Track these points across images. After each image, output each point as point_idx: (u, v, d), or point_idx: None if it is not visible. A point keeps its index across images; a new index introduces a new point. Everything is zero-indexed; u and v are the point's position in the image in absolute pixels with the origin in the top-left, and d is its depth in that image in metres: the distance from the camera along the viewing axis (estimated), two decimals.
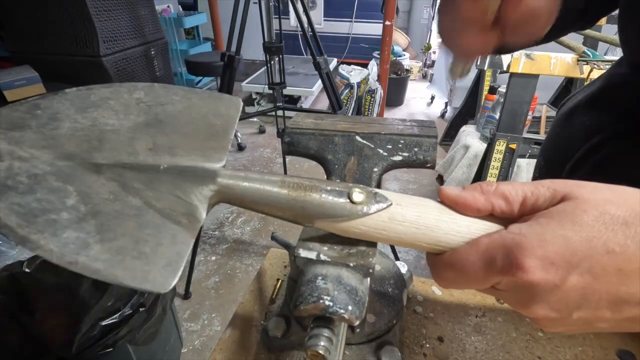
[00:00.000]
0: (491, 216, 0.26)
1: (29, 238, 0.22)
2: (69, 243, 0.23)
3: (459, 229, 0.25)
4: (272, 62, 1.81)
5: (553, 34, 0.43)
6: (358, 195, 0.27)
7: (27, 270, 0.73)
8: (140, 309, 0.93)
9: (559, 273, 0.21)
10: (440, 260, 0.26)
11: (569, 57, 1.23)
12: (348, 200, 0.27)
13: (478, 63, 1.33)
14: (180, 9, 3.69)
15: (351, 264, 0.28)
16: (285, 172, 2.16)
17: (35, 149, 0.25)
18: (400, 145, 0.37)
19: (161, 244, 0.24)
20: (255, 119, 3.25)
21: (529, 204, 0.24)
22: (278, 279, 0.54)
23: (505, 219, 0.25)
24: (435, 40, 4.55)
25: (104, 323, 0.86)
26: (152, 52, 2.20)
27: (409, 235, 0.26)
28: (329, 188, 0.27)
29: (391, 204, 0.26)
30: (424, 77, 4.63)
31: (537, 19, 0.32)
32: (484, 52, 0.37)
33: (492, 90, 2.10)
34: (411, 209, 0.26)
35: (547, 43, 0.45)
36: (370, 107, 3.06)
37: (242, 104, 0.32)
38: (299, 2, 1.54)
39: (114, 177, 0.26)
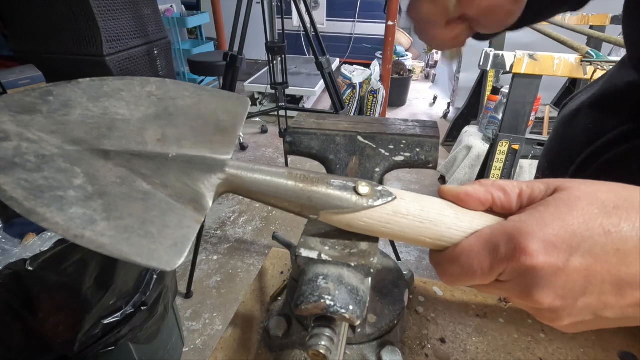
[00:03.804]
0: (491, 212, 0.27)
1: (35, 210, 0.22)
2: (75, 218, 0.23)
3: (461, 224, 0.26)
4: (275, 62, 1.81)
5: (543, 15, 0.43)
6: (364, 187, 0.27)
7: (30, 268, 0.73)
8: (142, 308, 0.93)
9: (562, 256, 0.21)
10: (444, 256, 0.26)
11: (573, 57, 1.23)
12: (354, 193, 0.27)
13: (481, 63, 1.33)
14: (183, 9, 3.70)
15: (352, 264, 0.28)
16: None
17: (44, 133, 0.25)
18: (402, 146, 0.37)
19: (168, 226, 0.24)
20: (257, 119, 3.26)
21: (525, 196, 0.25)
22: (284, 280, 0.54)
23: (504, 215, 0.26)
24: None
25: (106, 321, 0.86)
26: (155, 52, 2.21)
27: (412, 229, 0.26)
28: (335, 181, 0.28)
29: (395, 198, 0.27)
30: (427, 77, 4.62)
31: (495, 12, 0.33)
32: (458, 43, 0.38)
33: (495, 90, 2.10)
34: (415, 204, 0.27)
35: (537, 23, 0.45)
36: (373, 108, 3.05)
37: (249, 102, 0.32)
38: (302, 2, 1.54)
39: (122, 163, 0.26)
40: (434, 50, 4.56)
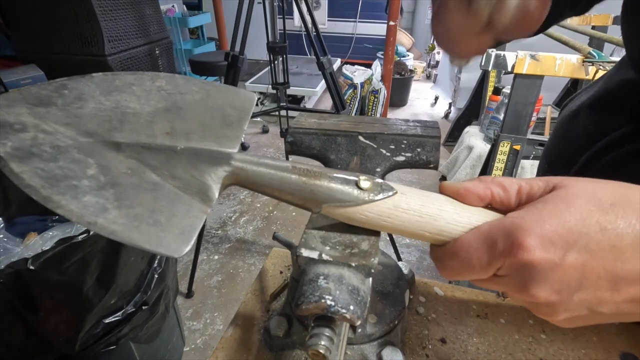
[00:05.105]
0: (491, 208, 0.27)
1: (51, 198, 0.24)
2: (88, 206, 0.24)
3: (460, 219, 0.26)
4: (276, 62, 1.81)
5: (549, 21, 0.43)
6: (365, 182, 0.28)
7: (31, 267, 0.73)
8: (143, 307, 0.93)
9: (558, 251, 0.22)
10: (443, 251, 0.26)
11: (574, 58, 1.23)
12: (355, 187, 0.28)
13: (482, 64, 1.32)
14: (185, 9, 3.70)
15: (353, 264, 0.28)
16: None
17: (59, 125, 0.26)
18: (403, 146, 0.37)
19: (175, 215, 0.26)
20: (258, 119, 3.26)
21: (524, 192, 0.26)
22: (285, 280, 0.54)
23: (503, 211, 0.26)
24: None
25: (107, 321, 0.86)
26: (157, 52, 2.21)
27: (412, 224, 0.27)
28: (337, 175, 0.28)
29: (396, 192, 0.27)
30: (428, 77, 4.62)
31: (527, 21, 0.33)
32: (481, 52, 0.38)
33: (497, 91, 2.09)
34: (415, 198, 0.27)
35: (543, 31, 0.45)
36: (374, 108, 3.05)
37: (256, 98, 0.33)
38: (303, 2, 1.55)
39: (132, 155, 0.27)
40: (436, 51, 4.56)
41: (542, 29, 0.43)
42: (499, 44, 0.42)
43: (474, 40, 0.35)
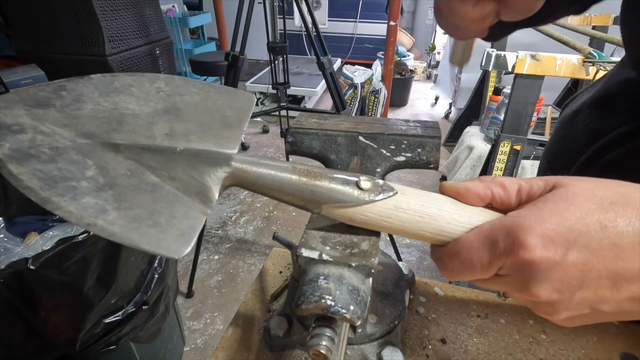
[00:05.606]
0: (491, 207, 0.27)
1: (50, 199, 0.23)
2: (87, 207, 0.24)
3: (460, 219, 0.26)
4: (276, 62, 1.81)
5: (549, 15, 0.42)
6: (365, 182, 0.28)
7: (31, 267, 0.73)
8: (143, 307, 0.94)
9: (559, 250, 0.22)
10: (444, 251, 0.26)
11: (575, 58, 1.23)
12: (356, 187, 0.28)
13: (483, 64, 1.32)
14: (185, 9, 3.71)
15: (353, 264, 0.28)
16: None
17: (57, 126, 0.26)
18: (403, 146, 0.37)
19: (175, 217, 0.25)
20: (259, 119, 3.26)
21: (524, 192, 0.26)
22: (285, 280, 0.54)
23: (504, 210, 0.26)
24: (439, 40, 4.53)
25: (107, 320, 0.86)
26: (157, 52, 2.21)
27: (412, 224, 0.27)
28: (337, 175, 0.28)
29: (396, 193, 0.27)
30: (428, 77, 4.62)
31: None
32: (481, 28, 0.36)
33: (497, 91, 2.09)
34: (415, 199, 0.27)
35: (543, 24, 0.43)
36: (374, 108, 3.05)
37: (255, 99, 0.33)
38: (304, 2, 1.55)
39: (131, 156, 0.27)
40: (436, 51, 4.56)
41: (541, 20, 0.42)
42: (492, 36, 0.40)
43: (476, 9, 0.33)
